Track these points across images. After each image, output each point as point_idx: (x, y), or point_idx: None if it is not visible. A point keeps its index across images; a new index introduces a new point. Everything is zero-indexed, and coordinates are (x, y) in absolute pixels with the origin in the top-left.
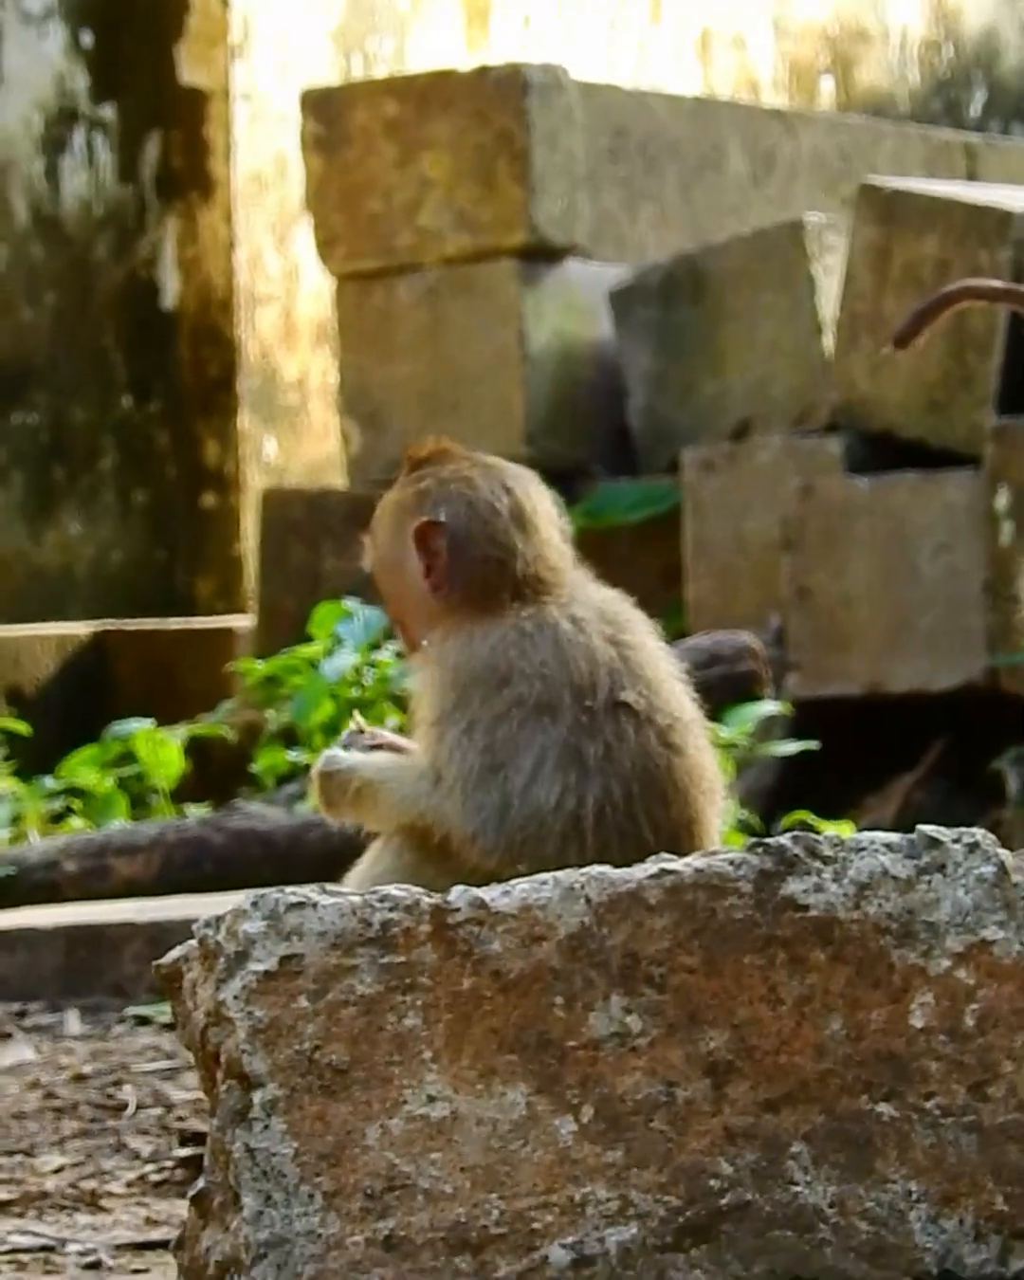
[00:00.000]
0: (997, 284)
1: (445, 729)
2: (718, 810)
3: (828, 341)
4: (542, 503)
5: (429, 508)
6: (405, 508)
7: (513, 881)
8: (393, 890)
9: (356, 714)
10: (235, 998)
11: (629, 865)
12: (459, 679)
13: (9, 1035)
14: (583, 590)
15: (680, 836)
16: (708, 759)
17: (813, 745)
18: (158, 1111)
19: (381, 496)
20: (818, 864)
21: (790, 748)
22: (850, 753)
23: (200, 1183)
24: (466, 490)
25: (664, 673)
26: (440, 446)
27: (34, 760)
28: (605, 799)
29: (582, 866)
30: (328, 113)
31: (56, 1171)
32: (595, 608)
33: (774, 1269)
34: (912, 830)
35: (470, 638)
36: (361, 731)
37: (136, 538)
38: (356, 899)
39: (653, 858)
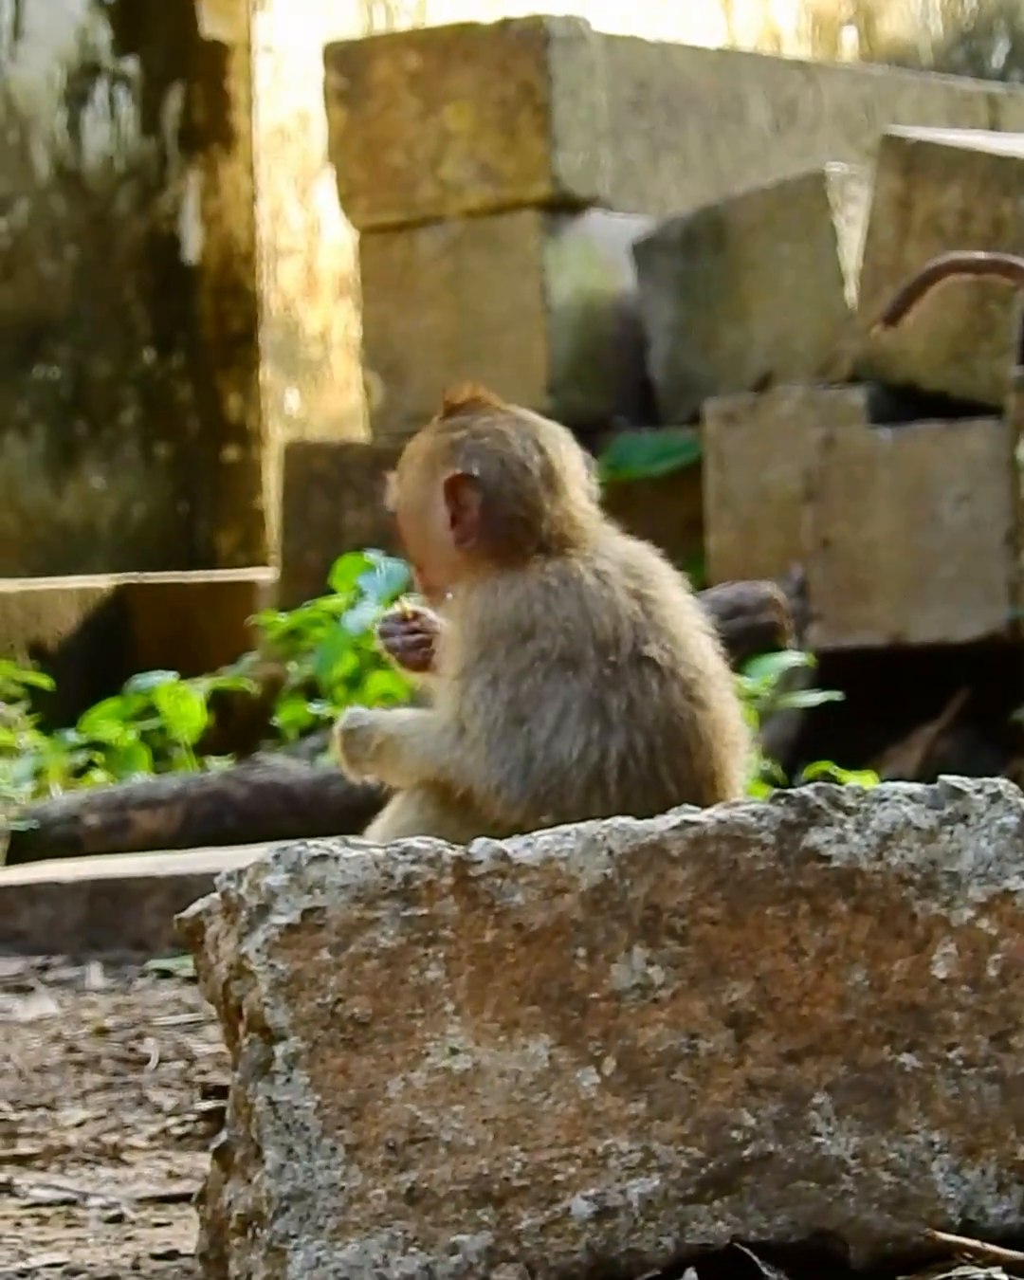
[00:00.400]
0: (981, 256)
1: (469, 682)
2: (741, 762)
3: (850, 292)
4: (571, 462)
5: (461, 460)
6: (436, 456)
7: (535, 834)
8: (415, 843)
9: (403, 599)
10: (257, 951)
11: (652, 817)
12: (483, 633)
13: (31, 989)
14: (608, 543)
15: (703, 789)
16: (732, 712)
17: (835, 696)
18: (180, 1065)
19: (403, 449)
20: (840, 815)
21: (813, 699)
22: (873, 703)
23: (222, 1136)
24: (499, 446)
25: (689, 626)
26: (476, 395)
27: (56, 714)
28: (628, 752)
29: (604, 819)
30: (350, 65)
31: (79, 1125)
32: (620, 561)
33: (796, 1220)
34: (934, 781)
35: (494, 591)
36: (405, 619)
37: (158, 491)
38: (379, 852)
39: (675, 810)
